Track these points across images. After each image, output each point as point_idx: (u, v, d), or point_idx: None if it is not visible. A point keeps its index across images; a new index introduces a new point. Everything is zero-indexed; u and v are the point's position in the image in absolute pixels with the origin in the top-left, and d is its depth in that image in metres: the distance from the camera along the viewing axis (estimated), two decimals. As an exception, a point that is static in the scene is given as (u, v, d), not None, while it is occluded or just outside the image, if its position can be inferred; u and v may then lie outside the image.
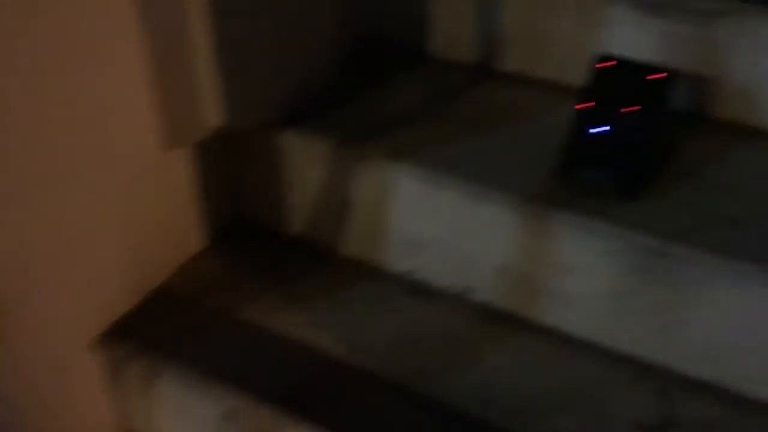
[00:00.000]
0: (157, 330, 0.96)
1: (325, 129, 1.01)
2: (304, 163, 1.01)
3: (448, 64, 1.13)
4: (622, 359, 0.88)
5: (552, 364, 0.89)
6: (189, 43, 0.84)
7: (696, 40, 0.95)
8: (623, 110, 0.86)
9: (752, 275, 0.78)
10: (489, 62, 1.11)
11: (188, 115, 0.89)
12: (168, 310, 0.99)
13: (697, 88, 0.98)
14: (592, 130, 0.88)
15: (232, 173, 1.09)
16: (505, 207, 0.89)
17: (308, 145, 1.00)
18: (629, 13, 0.98)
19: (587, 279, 0.88)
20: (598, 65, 0.89)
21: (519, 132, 0.99)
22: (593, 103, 0.88)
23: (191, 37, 0.84)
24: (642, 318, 0.87)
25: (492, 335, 0.93)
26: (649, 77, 0.87)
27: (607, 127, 0.87)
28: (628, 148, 0.86)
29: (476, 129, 1.00)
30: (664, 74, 0.87)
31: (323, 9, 1.04)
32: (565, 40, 1.04)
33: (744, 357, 0.83)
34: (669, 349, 0.86)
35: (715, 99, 0.98)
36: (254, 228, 1.11)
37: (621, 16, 0.98)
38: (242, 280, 1.03)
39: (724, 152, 0.94)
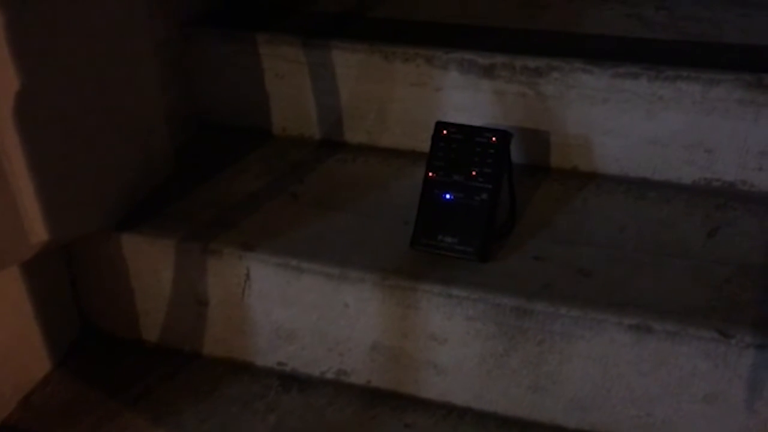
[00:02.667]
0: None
1: (168, 224, 0.95)
2: (149, 264, 0.95)
3: (294, 142, 1.11)
4: (505, 421, 0.88)
5: (436, 439, 0.87)
6: (1, 157, 0.77)
7: (528, 96, 0.99)
8: (468, 174, 0.87)
9: (609, 322, 0.80)
10: (334, 136, 1.10)
11: (9, 235, 0.80)
12: (13, 450, 0.89)
13: (536, 141, 1.02)
14: (440, 198, 0.88)
15: (75, 283, 1.01)
16: (368, 285, 0.87)
17: (150, 246, 0.94)
18: (463, 77, 1.00)
19: (458, 346, 0.87)
20: (438, 133, 0.90)
21: (371, 204, 0.98)
22: (439, 171, 0.88)
23: (3, 153, 0.77)
24: (515, 377, 0.86)
25: (373, 419, 0.90)
26: (487, 139, 0.88)
27: (455, 193, 0.88)
28: (477, 211, 0.87)
29: (329, 206, 0.98)
30: (502, 134, 0.89)
31: (152, 103, 1.00)
32: (404, 108, 1.05)
33: (616, 402, 0.84)
34: (545, 404, 0.87)
35: (554, 150, 1.02)
36: (107, 339, 1.02)
37: (455, 80, 1.01)
38: (96, 404, 0.93)
39: (568, 201, 0.97)
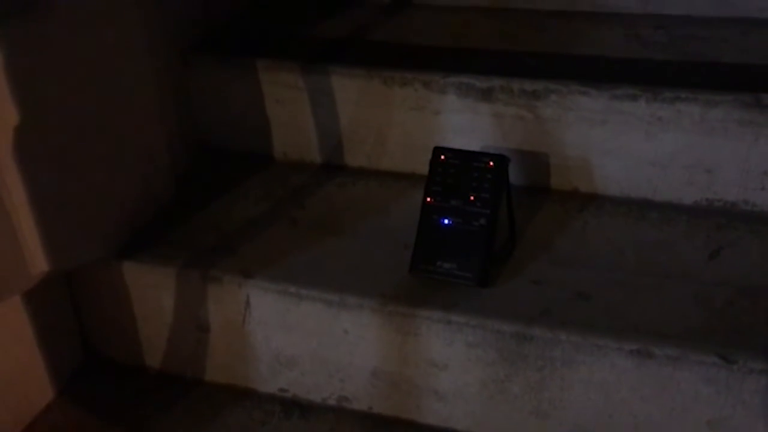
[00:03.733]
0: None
1: (168, 252, 0.95)
2: (150, 291, 0.95)
3: (294, 166, 1.11)
4: (506, 447, 0.87)
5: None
6: (0, 189, 0.78)
7: (526, 119, 0.99)
8: (466, 199, 0.87)
9: (610, 347, 0.80)
10: (334, 160, 1.10)
11: (11, 265, 0.81)
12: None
13: (535, 163, 1.02)
14: (439, 223, 0.88)
15: (77, 311, 1.01)
16: (367, 312, 0.87)
17: (151, 273, 0.94)
18: (461, 101, 1.01)
19: (459, 372, 0.87)
20: (435, 158, 0.90)
21: (371, 228, 0.98)
22: (437, 197, 0.88)
23: (2, 185, 0.77)
24: (517, 403, 0.86)
25: (374, 445, 0.89)
26: (484, 164, 0.88)
27: (454, 218, 0.88)
28: (475, 236, 0.87)
29: (328, 230, 0.98)
30: (499, 159, 0.89)
31: (152, 131, 1.00)
32: (403, 131, 1.05)
33: (619, 428, 0.83)
34: (548, 430, 0.86)
35: (554, 171, 1.02)
36: (109, 366, 1.03)
37: (453, 103, 1.01)
38: (98, 431, 0.94)
39: (568, 222, 0.97)
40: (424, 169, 0.92)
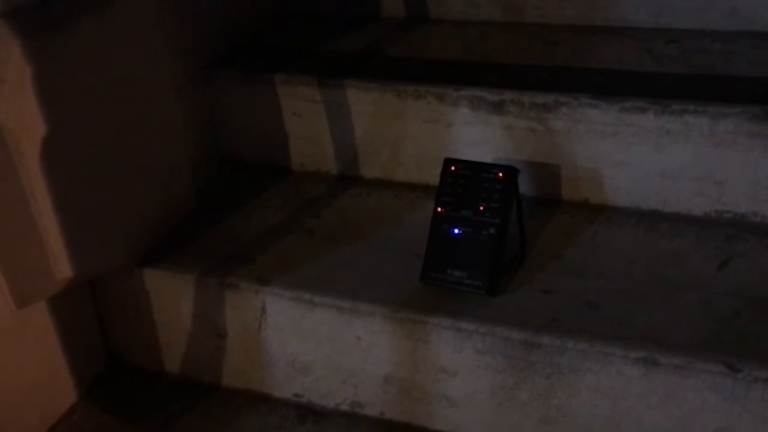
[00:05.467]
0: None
1: (188, 260, 0.98)
2: (170, 298, 0.98)
3: (311, 177, 1.14)
4: (515, 454, 0.89)
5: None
6: (27, 198, 0.81)
7: (537, 131, 1.01)
8: (476, 209, 0.89)
9: (616, 355, 0.81)
10: (349, 171, 1.13)
11: (36, 271, 0.85)
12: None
13: (546, 174, 1.03)
14: (449, 232, 0.90)
15: (100, 317, 1.05)
16: (378, 318, 0.89)
17: (171, 281, 0.97)
18: (473, 113, 1.03)
19: (469, 379, 0.88)
20: (446, 169, 0.92)
21: (384, 238, 1.00)
22: (448, 207, 0.91)
23: (30, 194, 0.81)
24: (526, 410, 0.87)
25: (385, 450, 0.91)
26: (494, 175, 0.90)
27: (464, 228, 0.89)
28: (485, 245, 0.88)
29: (343, 240, 1.01)
30: (509, 170, 0.90)
31: (174, 144, 1.04)
32: (417, 143, 1.08)
33: (626, 435, 0.85)
34: (557, 437, 0.87)
35: (564, 183, 1.03)
36: (131, 371, 1.06)
37: (465, 116, 1.03)
38: (120, 434, 0.97)
39: (579, 233, 0.98)
40: (437, 180, 0.94)
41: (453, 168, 0.91)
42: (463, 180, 0.91)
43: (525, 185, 1.02)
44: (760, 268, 0.90)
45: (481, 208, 0.89)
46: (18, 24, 0.77)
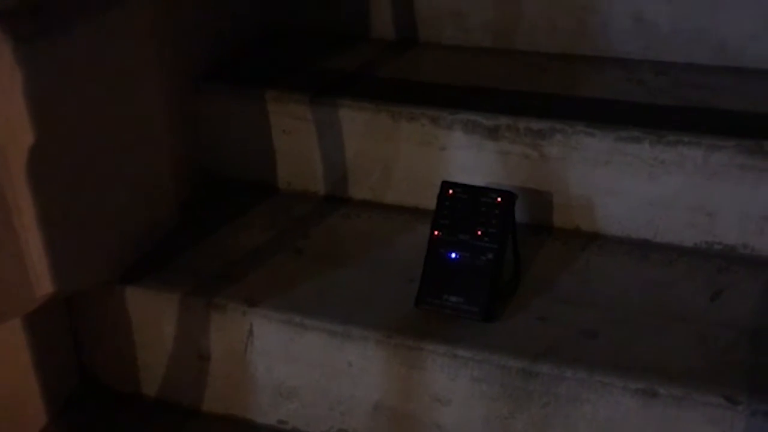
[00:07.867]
0: None
1: (172, 278, 0.95)
2: (152, 318, 0.95)
3: (299, 197, 1.12)
4: (507, 485, 0.87)
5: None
6: (11, 209, 0.77)
7: (531, 157, 1.01)
8: (473, 234, 0.88)
9: (615, 386, 0.80)
10: (337, 192, 1.11)
11: (16, 287, 0.80)
12: None
13: (539, 201, 1.03)
14: (446, 257, 0.88)
15: (75, 336, 1.00)
16: (371, 344, 0.87)
17: (153, 299, 0.94)
18: (467, 137, 1.02)
19: (463, 408, 0.86)
20: (444, 192, 0.91)
21: (376, 261, 0.98)
22: (445, 230, 0.89)
23: (14, 204, 0.77)
24: (520, 440, 0.86)
25: (374, 480, 0.88)
26: (492, 200, 0.89)
27: (461, 252, 0.88)
28: (482, 271, 0.87)
29: (333, 262, 0.98)
30: (507, 195, 0.90)
31: (159, 157, 1.01)
32: (409, 166, 1.06)
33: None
34: (550, 468, 0.86)
35: (557, 210, 1.03)
36: (106, 393, 1.01)
37: (460, 140, 1.02)
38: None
39: (571, 261, 0.98)
40: (428, 203, 0.93)
41: (451, 191, 0.90)
42: (461, 204, 0.90)
43: (517, 211, 1.01)
44: (751, 300, 0.91)
45: (479, 232, 0.88)
46: (9, 27, 0.73)
